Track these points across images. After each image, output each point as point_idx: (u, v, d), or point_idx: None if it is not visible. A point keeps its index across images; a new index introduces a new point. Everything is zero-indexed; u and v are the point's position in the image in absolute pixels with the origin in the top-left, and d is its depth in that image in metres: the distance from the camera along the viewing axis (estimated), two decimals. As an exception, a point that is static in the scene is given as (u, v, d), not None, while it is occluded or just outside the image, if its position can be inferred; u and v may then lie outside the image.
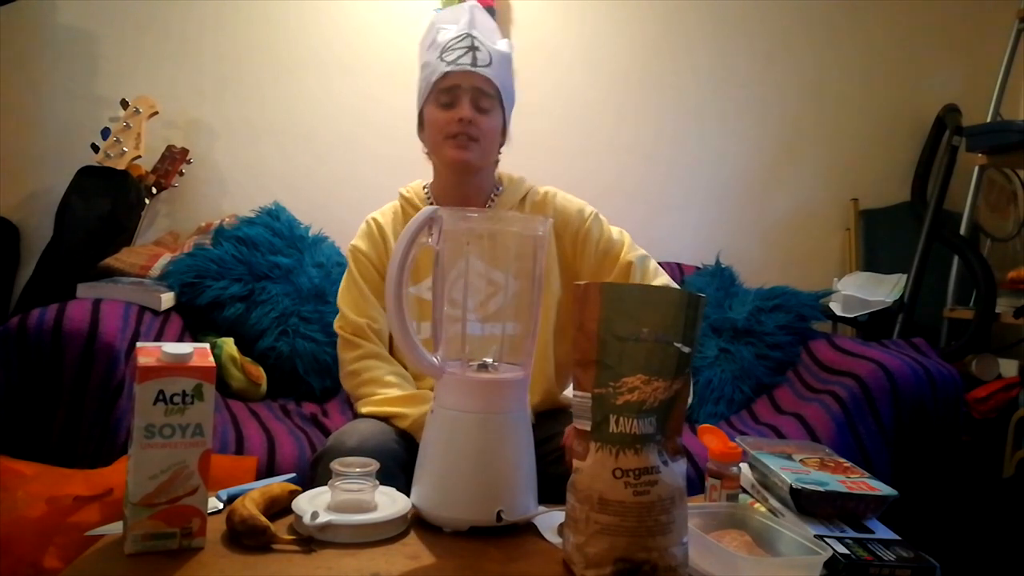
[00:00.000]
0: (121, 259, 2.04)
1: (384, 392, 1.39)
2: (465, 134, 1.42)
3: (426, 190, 1.55)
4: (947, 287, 2.61)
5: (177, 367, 0.91)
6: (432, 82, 1.44)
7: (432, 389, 1.13)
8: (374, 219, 1.54)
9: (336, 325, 1.50)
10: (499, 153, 1.54)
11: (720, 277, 2.43)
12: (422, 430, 1.11)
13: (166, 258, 2.08)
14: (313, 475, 1.31)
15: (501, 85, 1.45)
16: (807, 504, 1.06)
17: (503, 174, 1.57)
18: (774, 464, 1.14)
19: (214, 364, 0.93)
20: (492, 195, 1.53)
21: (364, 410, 1.39)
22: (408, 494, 1.08)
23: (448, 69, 1.41)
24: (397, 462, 1.25)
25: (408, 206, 1.53)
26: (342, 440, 1.28)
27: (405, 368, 1.46)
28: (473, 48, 1.42)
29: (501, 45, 1.47)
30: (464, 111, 1.41)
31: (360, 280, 1.48)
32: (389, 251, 1.47)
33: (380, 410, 1.37)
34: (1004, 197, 2.63)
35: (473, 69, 1.41)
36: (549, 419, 1.46)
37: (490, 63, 1.42)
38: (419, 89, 1.49)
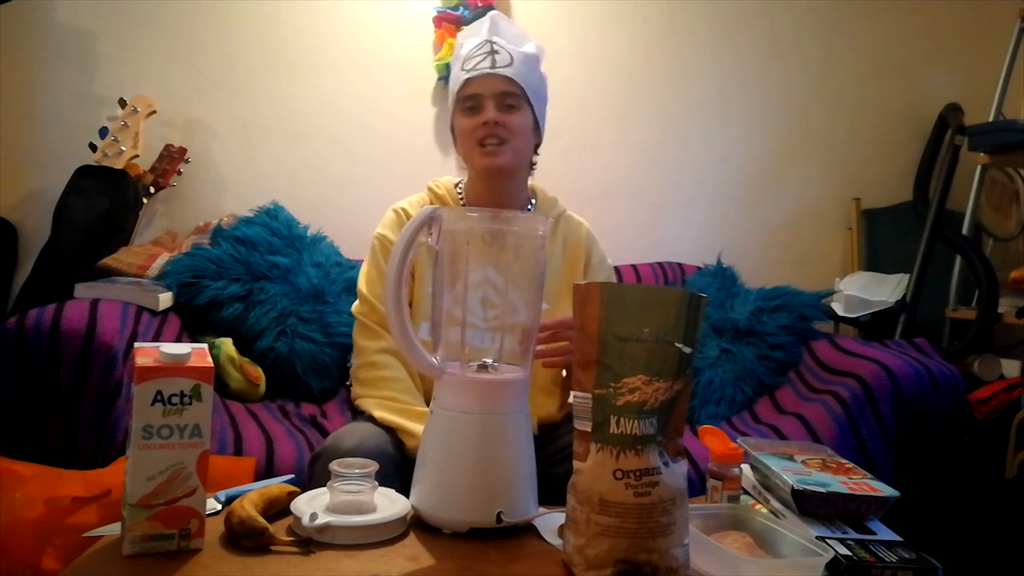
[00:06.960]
0: (119, 259, 2.03)
1: (402, 399, 1.36)
2: (494, 136, 1.40)
3: (459, 188, 1.52)
4: (949, 287, 2.60)
5: (175, 367, 0.90)
6: (456, 92, 1.43)
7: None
8: (403, 208, 1.50)
9: (357, 311, 1.45)
10: (535, 154, 1.51)
11: (721, 277, 2.42)
12: None
13: (164, 258, 2.07)
14: (311, 474, 1.30)
15: (525, 83, 1.42)
16: (809, 505, 1.06)
17: (537, 188, 1.55)
18: (776, 465, 1.14)
19: (212, 364, 0.92)
20: (526, 207, 1.51)
21: (377, 413, 1.35)
22: (404, 496, 1.08)
23: (468, 76, 1.40)
24: (394, 464, 1.24)
25: (438, 202, 1.50)
26: (340, 440, 1.28)
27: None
28: (493, 52, 1.41)
29: (527, 48, 1.45)
30: (488, 114, 1.39)
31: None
32: None
33: (392, 418, 1.33)
34: (1006, 196, 2.62)
35: (492, 71, 1.39)
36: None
37: (511, 63, 1.41)
38: (449, 104, 1.48)
